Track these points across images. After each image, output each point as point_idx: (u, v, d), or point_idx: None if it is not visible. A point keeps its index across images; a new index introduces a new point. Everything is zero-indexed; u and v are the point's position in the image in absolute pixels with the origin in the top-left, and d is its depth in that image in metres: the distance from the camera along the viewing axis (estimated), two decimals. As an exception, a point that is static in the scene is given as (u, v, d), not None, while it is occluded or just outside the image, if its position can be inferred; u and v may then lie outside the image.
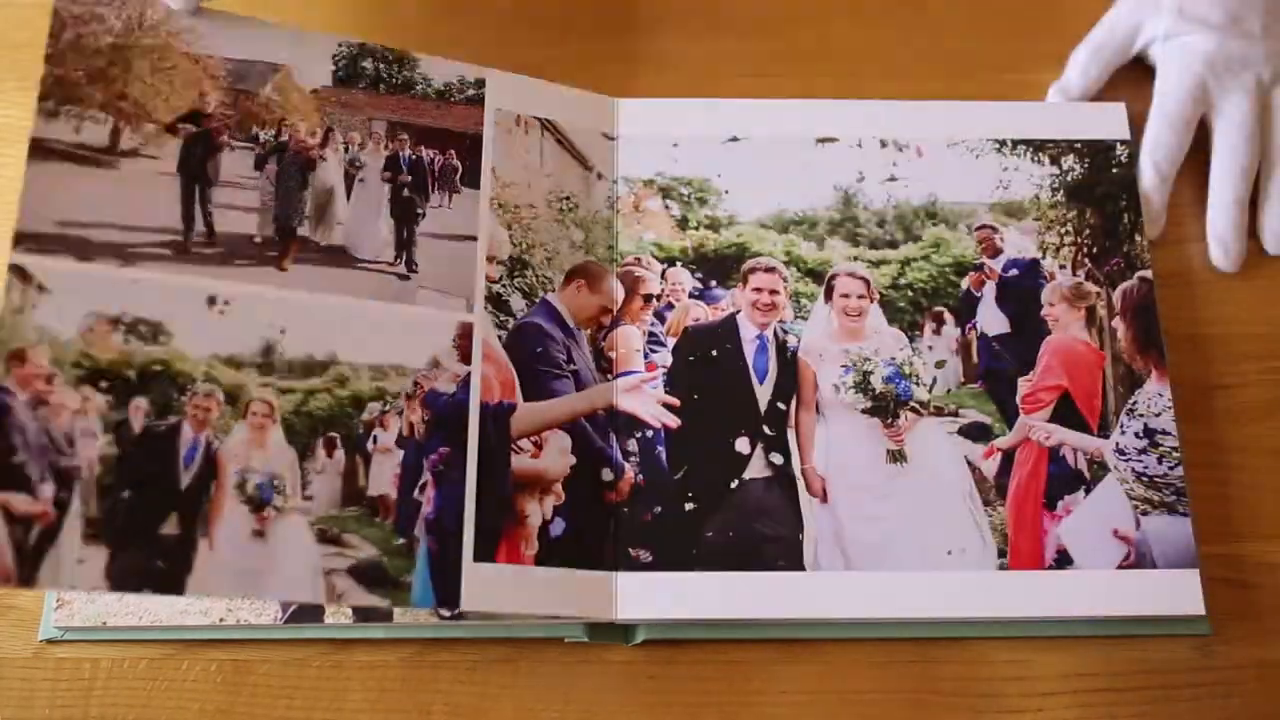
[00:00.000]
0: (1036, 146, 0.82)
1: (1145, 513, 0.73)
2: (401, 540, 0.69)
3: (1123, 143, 0.82)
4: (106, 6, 0.72)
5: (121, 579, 0.63)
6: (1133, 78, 0.86)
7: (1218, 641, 0.71)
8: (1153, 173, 0.81)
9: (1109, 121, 0.83)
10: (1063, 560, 0.72)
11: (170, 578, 0.64)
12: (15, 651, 0.72)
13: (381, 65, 0.79)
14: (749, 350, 0.77)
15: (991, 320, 0.79)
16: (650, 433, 0.74)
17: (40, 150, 0.68)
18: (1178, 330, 0.79)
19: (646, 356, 0.77)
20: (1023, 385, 0.76)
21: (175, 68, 0.73)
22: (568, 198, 0.79)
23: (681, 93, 0.85)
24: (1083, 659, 0.71)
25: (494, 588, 0.69)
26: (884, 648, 0.72)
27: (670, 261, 0.80)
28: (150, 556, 0.64)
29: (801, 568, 0.72)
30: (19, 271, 0.65)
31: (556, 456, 0.73)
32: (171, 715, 0.71)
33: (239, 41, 0.75)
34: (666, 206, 0.81)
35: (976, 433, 0.75)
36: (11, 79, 0.87)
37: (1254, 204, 0.82)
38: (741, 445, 0.75)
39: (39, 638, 0.72)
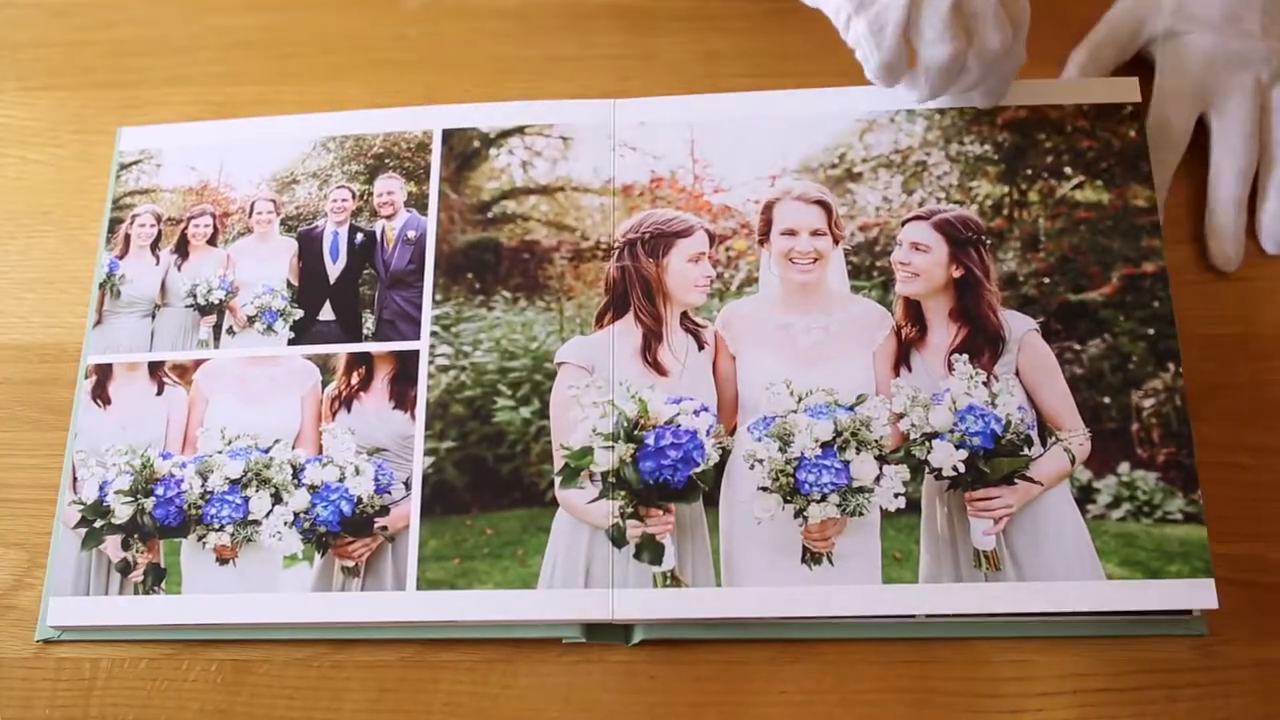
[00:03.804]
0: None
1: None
2: None
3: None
4: None
5: None
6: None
7: (1218, 641, 0.71)
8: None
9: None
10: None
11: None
12: (15, 651, 0.72)
13: None
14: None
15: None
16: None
17: None
18: (1177, 330, 0.79)
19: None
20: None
21: None
22: None
23: (681, 92, 0.85)
24: (1083, 659, 0.71)
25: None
26: (884, 648, 0.72)
27: None
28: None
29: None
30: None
31: None
32: (171, 715, 0.71)
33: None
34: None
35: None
36: (12, 79, 0.87)
37: (1253, 203, 0.82)
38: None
39: (35, 637, 0.72)
